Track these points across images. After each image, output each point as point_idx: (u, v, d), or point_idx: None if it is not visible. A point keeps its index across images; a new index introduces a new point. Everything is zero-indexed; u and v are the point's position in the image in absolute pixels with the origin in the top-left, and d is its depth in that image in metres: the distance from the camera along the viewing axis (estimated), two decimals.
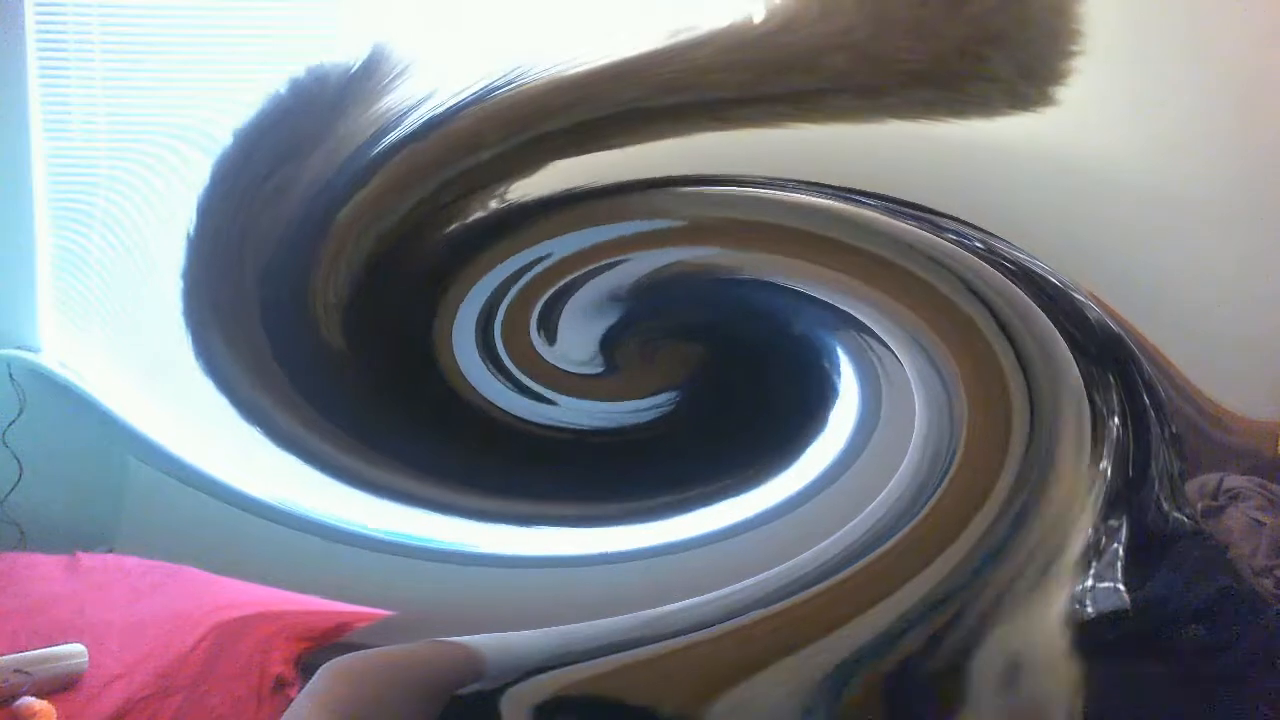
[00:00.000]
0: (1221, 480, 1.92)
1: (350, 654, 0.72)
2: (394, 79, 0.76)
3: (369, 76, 0.76)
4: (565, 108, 0.76)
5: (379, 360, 0.81)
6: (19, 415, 2.34)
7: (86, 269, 2.38)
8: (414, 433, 0.86)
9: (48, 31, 2.31)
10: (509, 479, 0.97)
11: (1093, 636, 1.51)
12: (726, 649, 0.73)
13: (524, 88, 0.77)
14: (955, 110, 0.77)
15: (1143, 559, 1.62)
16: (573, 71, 0.76)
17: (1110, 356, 1.64)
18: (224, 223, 0.75)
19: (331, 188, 0.74)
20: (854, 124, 0.84)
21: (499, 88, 0.77)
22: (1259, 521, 1.75)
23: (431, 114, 0.74)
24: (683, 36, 0.76)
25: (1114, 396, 1.61)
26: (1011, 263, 1.55)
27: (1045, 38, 0.70)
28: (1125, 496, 1.64)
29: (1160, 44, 2.02)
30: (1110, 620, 1.50)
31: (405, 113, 0.76)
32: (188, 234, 0.78)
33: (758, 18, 0.74)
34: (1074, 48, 0.72)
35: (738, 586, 0.88)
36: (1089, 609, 1.51)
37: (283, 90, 0.77)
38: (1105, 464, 1.60)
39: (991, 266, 0.87)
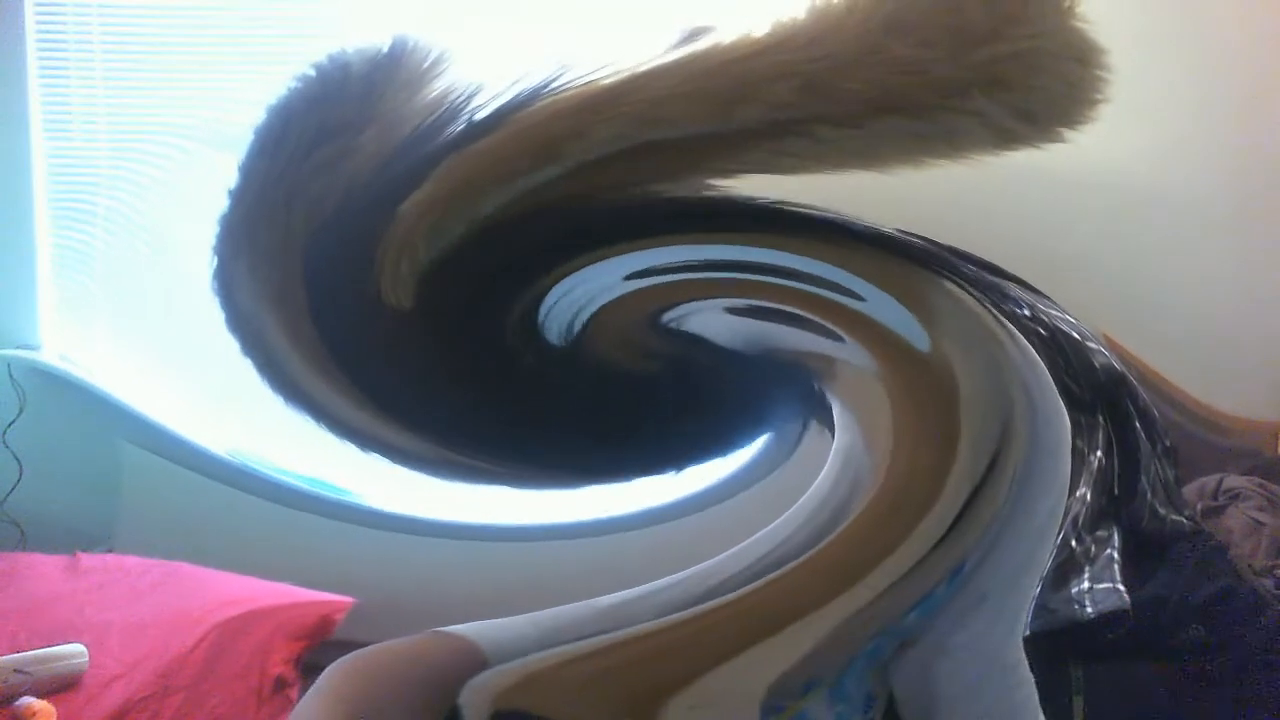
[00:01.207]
0: (1221, 481, 1.92)
1: (356, 652, 0.71)
2: (430, 69, 0.72)
3: (397, 65, 0.72)
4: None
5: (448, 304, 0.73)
6: (19, 415, 2.34)
7: (88, 268, 2.39)
8: (455, 398, 0.78)
9: (48, 31, 2.31)
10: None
11: (1093, 636, 1.51)
12: (688, 640, 0.69)
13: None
14: (948, 143, 0.69)
15: (1142, 560, 1.62)
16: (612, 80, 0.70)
17: (1106, 398, 1.65)
18: (268, 184, 0.71)
19: (398, 164, 0.69)
20: (832, 163, 0.75)
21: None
22: (1259, 521, 1.75)
23: (505, 103, 0.69)
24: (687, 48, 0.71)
25: (1099, 435, 1.62)
26: (1046, 328, 1.56)
27: (1061, 85, 0.63)
28: (1112, 511, 1.64)
29: (1159, 46, 2.02)
30: (1110, 620, 1.50)
31: (465, 99, 0.71)
32: (229, 189, 0.75)
33: (753, 35, 0.69)
34: (1097, 95, 0.65)
35: (700, 571, 0.83)
36: (1089, 609, 1.51)
37: (311, 73, 0.74)
38: (1083, 490, 1.61)
39: (1028, 337, 0.77)
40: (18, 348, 2.36)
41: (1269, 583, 1.63)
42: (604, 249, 0.73)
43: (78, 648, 1.63)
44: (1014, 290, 0.80)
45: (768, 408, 0.92)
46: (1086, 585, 1.54)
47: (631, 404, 0.84)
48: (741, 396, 0.89)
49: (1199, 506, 1.85)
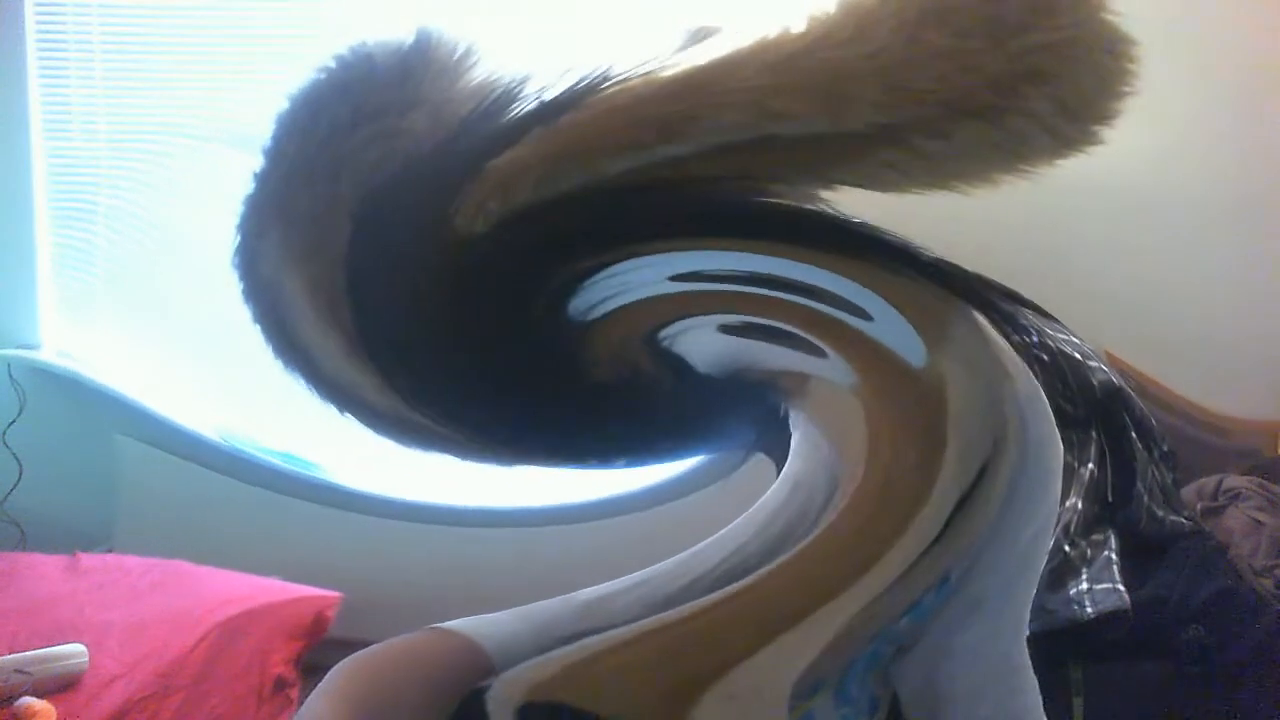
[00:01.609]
0: (1221, 481, 1.92)
1: (361, 651, 0.71)
2: (461, 59, 0.70)
3: (426, 56, 0.70)
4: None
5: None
6: (19, 415, 2.34)
7: (89, 268, 2.39)
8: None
9: (48, 31, 2.31)
10: None
11: (1093, 636, 1.51)
12: (718, 628, 0.66)
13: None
14: (1016, 154, 0.67)
15: (1142, 560, 1.63)
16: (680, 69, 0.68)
17: (1101, 413, 1.67)
18: (302, 162, 0.68)
19: (468, 136, 0.67)
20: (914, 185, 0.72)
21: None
22: (1259, 521, 1.75)
23: (576, 85, 0.66)
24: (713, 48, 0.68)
25: (1091, 449, 1.64)
26: (1050, 353, 1.57)
27: (1093, 77, 0.62)
28: (1107, 517, 1.66)
29: (1159, 46, 2.02)
30: (1110, 620, 1.50)
31: (518, 84, 0.68)
32: (254, 172, 0.73)
33: (790, 31, 0.65)
34: (1125, 89, 0.64)
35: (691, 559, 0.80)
36: (1089, 609, 1.52)
37: (332, 64, 0.72)
38: (1074, 500, 1.62)
39: (1031, 364, 0.75)
40: (18, 347, 2.36)
41: (1269, 583, 1.64)
42: (669, 241, 0.70)
43: (78, 648, 1.63)
44: (1025, 317, 0.77)
45: (720, 433, 0.91)
46: (1085, 586, 1.54)
47: (590, 398, 0.81)
48: (699, 420, 0.87)
49: (1199, 507, 1.85)
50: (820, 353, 0.71)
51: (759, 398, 0.79)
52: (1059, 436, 0.78)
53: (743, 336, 0.74)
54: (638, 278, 0.70)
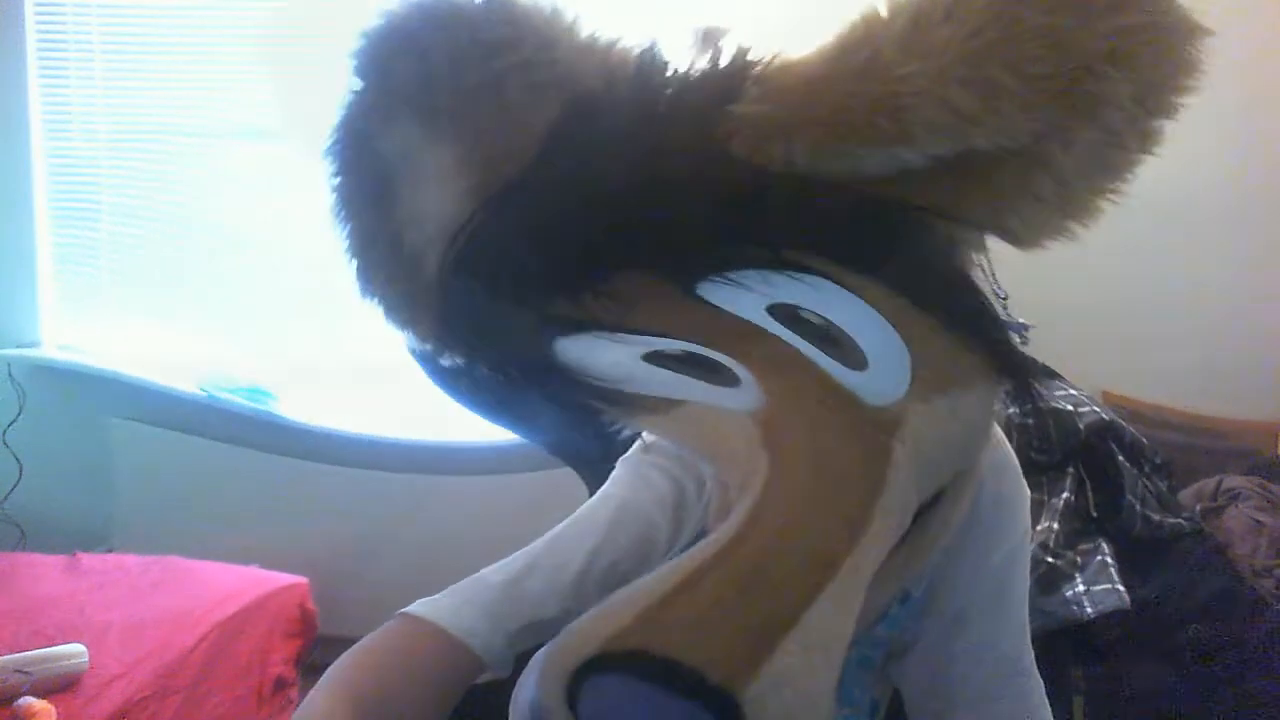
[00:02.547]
0: (1221, 481, 1.92)
1: (357, 646, 0.70)
2: (558, 13, 0.65)
3: (509, 7, 0.65)
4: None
5: None
6: (19, 415, 2.34)
7: (88, 267, 2.39)
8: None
9: (48, 31, 2.32)
10: None
11: (1093, 636, 1.51)
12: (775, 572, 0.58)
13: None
14: (1114, 167, 0.63)
15: (1142, 560, 1.63)
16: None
17: (1085, 450, 1.71)
18: (435, 79, 0.60)
19: (658, 74, 0.61)
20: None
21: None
22: (1259, 521, 1.75)
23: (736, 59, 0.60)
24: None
25: (1067, 481, 1.69)
26: (1036, 415, 1.60)
27: (1169, 66, 0.58)
28: (1094, 529, 1.67)
29: None
30: (1110, 620, 1.50)
31: (655, 45, 0.63)
32: (353, 91, 0.67)
33: (878, 14, 0.59)
34: (1193, 81, 0.59)
35: None
36: (1089, 609, 1.51)
37: (402, 9, 0.66)
38: (1047, 523, 1.63)
39: (1009, 431, 0.71)
40: (18, 346, 2.36)
41: (1269, 583, 1.64)
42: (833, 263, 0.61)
43: (78, 648, 1.62)
44: (1033, 387, 0.71)
45: (527, 421, 0.84)
46: (1083, 588, 1.54)
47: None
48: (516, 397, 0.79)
49: (1198, 507, 1.85)
50: (734, 382, 0.63)
51: (589, 410, 0.70)
52: (1025, 486, 0.78)
53: (666, 368, 0.66)
54: (753, 284, 0.62)
